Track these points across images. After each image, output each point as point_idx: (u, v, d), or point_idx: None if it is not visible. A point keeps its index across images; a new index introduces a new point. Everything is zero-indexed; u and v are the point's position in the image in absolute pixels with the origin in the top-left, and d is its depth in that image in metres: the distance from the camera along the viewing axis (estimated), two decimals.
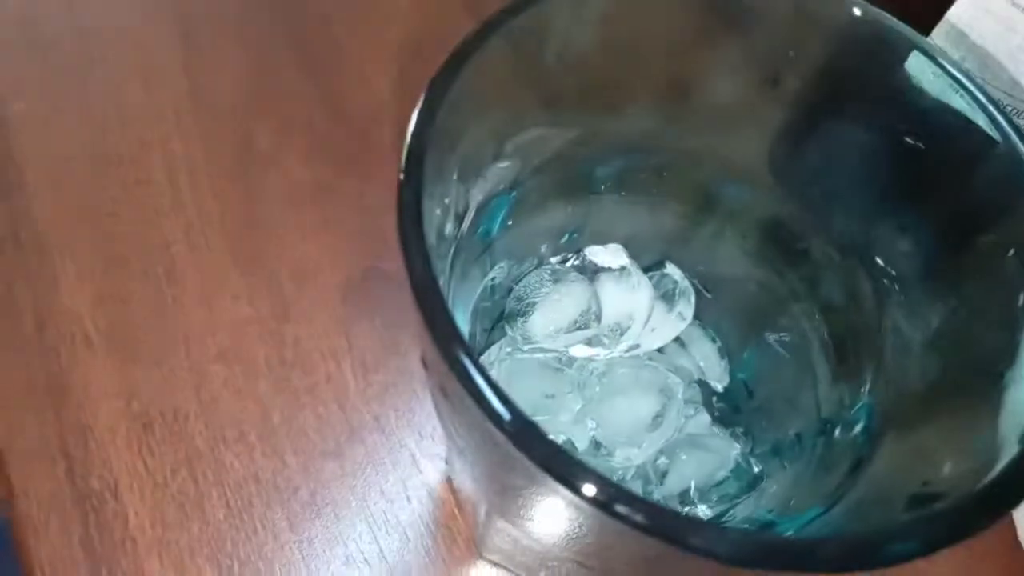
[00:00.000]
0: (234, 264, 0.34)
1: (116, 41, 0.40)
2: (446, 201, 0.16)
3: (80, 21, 0.40)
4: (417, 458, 0.31)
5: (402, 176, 0.14)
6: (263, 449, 0.30)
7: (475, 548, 0.29)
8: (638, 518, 0.11)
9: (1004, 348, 0.14)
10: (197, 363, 0.32)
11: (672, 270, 0.25)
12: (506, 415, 0.11)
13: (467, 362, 0.11)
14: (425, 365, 0.15)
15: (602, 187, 0.23)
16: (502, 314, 0.25)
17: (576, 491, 0.11)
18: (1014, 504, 0.12)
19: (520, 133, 0.18)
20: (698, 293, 0.25)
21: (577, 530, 0.14)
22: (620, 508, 0.11)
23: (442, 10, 0.42)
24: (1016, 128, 0.15)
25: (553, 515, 0.14)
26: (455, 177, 0.17)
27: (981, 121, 0.15)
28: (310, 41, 0.41)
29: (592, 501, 0.11)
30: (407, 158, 0.14)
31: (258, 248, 0.34)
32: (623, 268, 0.24)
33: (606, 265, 0.24)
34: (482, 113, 0.17)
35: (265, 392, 0.31)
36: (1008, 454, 0.13)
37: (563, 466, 0.11)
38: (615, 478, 0.21)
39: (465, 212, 0.18)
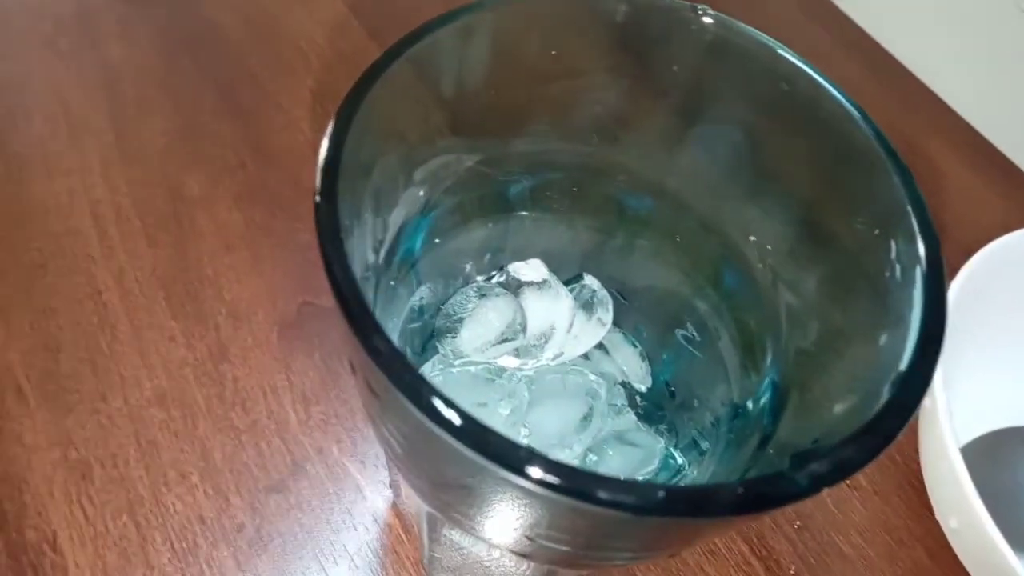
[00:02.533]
0: (168, 308, 0.34)
1: (40, 93, 0.40)
2: (363, 224, 0.17)
3: (4, 77, 0.40)
4: (361, 486, 0.31)
5: (318, 197, 0.15)
6: (206, 489, 0.30)
7: (424, 569, 0.30)
8: (560, 480, 0.12)
9: (874, 308, 0.16)
10: (135, 408, 0.32)
11: (590, 280, 0.26)
12: (429, 396, 0.12)
13: (384, 347, 0.12)
14: (352, 369, 0.16)
15: (516, 206, 0.24)
16: (432, 335, 0.26)
17: (496, 459, 0.12)
18: (883, 445, 0.14)
19: (429, 157, 0.20)
20: (616, 301, 0.27)
21: (514, 509, 0.15)
22: (546, 474, 0.12)
23: (360, 55, 0.44)
24: (877, 131, 0.17)
25: (491, 498, 0.15)
26: (370, 200, 0.18)
27: (848, 117, 0.17)
28: (235, 88, 0.42)
29: (513, 469, 0.12)
30: (322, 179, 0.15)
31: (192, 291, 0.35)
32: (544, 281, 0.26)
33: (528, 279, 0.26)
34: (390, 138, 0.18)
35: (205, 432, 0.32)
36: (879, 403, 0.14)
37: (485, 439, 0.12)
38: None
39: (384, 236, 0.19)
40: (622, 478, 0.13)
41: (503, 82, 0.19)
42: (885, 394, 0.15)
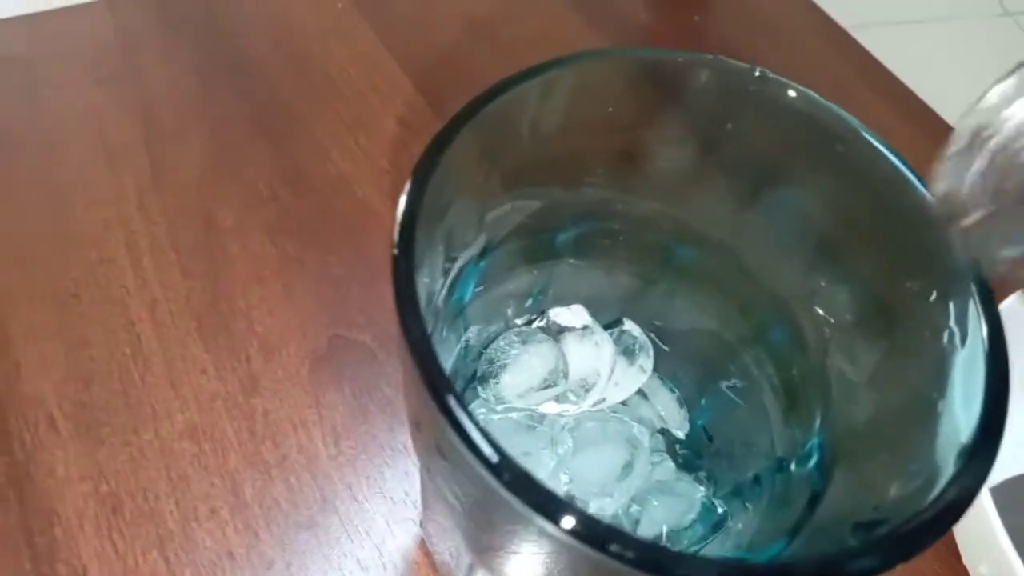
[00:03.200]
0: (200, 340, 0.34)
1: (78, 122, 0.40)
2: (432, 272, 0.18)
3: (44, 103, 0.41)
4: (390, 524, 0.31)
5: (396, 251, 0.15)
6: (236, 524, 0.30)
7: None
8: (629, 554, 0.12)
9: (935, 381, 0.16)
10: (165, 441, 0.32)
11: (631, 326, 0.26)
12: (505, 467, 0.12)
13: (467, 422, 0.13)
14: (417, 427, 0.16)
15: (563, 253, 0.24)
16: (473, 375, 0.26)
17: (582, 537, 0.12)
18: (953, 521, 0.14)
19: (491, 207, 0.20)
20: (655, 347, 0.27)
21: (570, 572, 0.15)
22: (613, 546, 0.12)
23: (394, 89, 0.44)
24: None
25: (547, 559, 0.15)
26: (440, 249, 0.18)
27: (906, 185, 0.18)
28: (269, 118, 0.42)
29: (590, 541, 0.12)
30: (400, 234, 0.15)
31: (224, 323, 0.35)
32: (585, 327, 0.26)
33: (569, 325, 0.26)
34: (458, 194, 0.18)
35: (236, 466, 0.32)
36: (945, 476, 0.14)
37: (563, 510, 0.12)
38: None
39: (445, 282, 0.19)
40: (696, 554, 0.13)
41: (570, 139, 0.19)
42: (951, 466, 0.15)
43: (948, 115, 0.51)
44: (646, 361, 0.26)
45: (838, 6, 0.55)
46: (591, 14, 0.50)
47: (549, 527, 0.13)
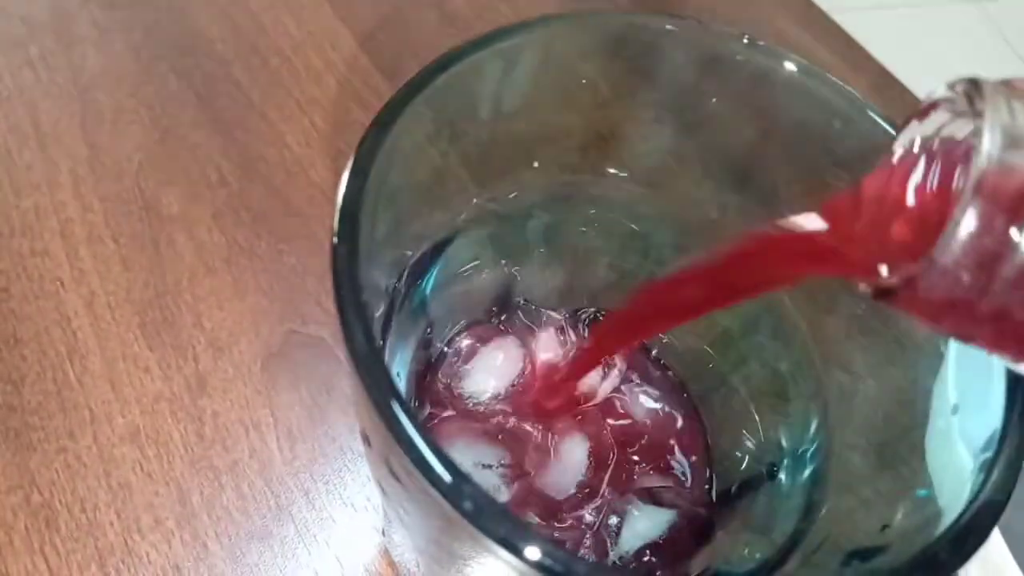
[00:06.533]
0: (143, 336, 0.32)
1: (7, 103, 0.37)
2: (380, 263, 0.16)
3: None
4: (351, 532, 0.29)
5: (335, 240, 0.13)
6: (182, 536, 0.28)
7: None
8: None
9: (940, 384, 0.15)
10: (105, 447, 0.29)
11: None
12: (463, 493, 0.10)
13: (420, 442, 0.11)
14: (367, 441, 0.14)
15: (532, 241, 0.22)
16: (430, 364, 0.24)
17: (549, 571, 0.10)
18: (958, 565, 0.12)
19: (451, 192, 0.18)
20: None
21: None
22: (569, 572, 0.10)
23: (351, 67, 0.42)
24: None
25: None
26: (387, 238, 0.16)
27: None
28: (217, 98, 0.39)
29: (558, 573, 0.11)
30: (341, 220, 0.13)
31: (169, 317, 0.32)
32: (556, 322, 0.24)
33: (537, 320, 0.24)
34: (410, 174, 0.16)
35: (182, 473, 0.29)
36: (953, 513, 0.13)
37: (529, 541, 0.11)
38: (567, 540, 0.20)
39: (401, 273, 0.17)
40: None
41: (536, 114, 0.17)
42: (966, 487, 0.13)
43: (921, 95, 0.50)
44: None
45: None
46: None
47: (514, 560, 0.11)
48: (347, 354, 0.12)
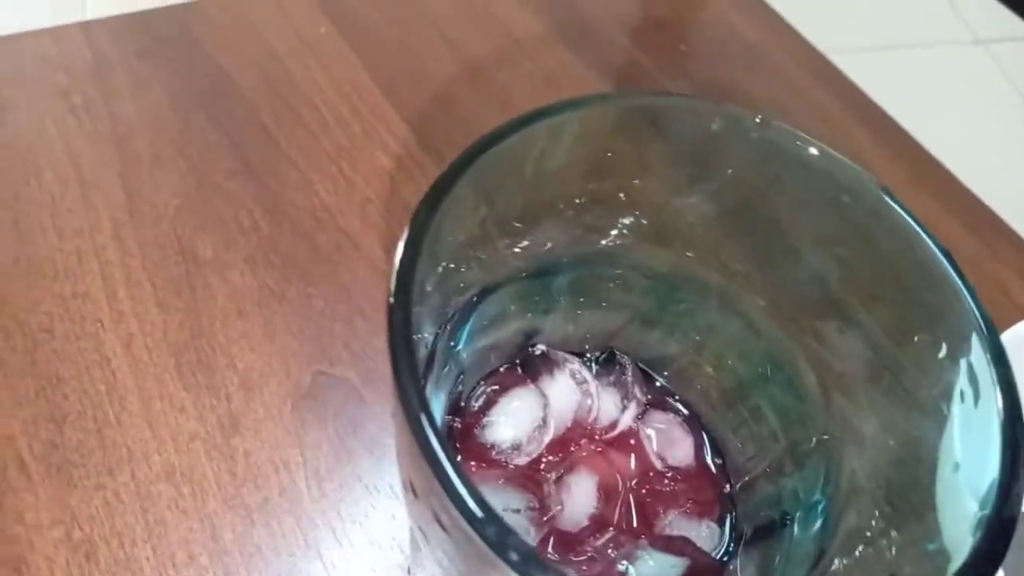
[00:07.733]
0: (179, 377, 0.33)
1: (50, 149, 0.39)
2: (425, 322, 0.17)
3: (12, 128, 0.40)
4: (376, 570, 0.30)
5: (392, 300, 0.14)
6: (215, 571, 0.29)
7: None
8: None
9: (944, 441, 0.16)
10: (142, 484, 0.31)
11: (621, 358, 0.26)
12: (514, 552, 0.12)
13: (471, 502, 0.12)
14: (413, 492, 0.16)
15: (558, 295, 0.24)
16: (458, 411, 0.25)
17: None
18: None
19: (487, 252, 0.19)
20: (646, 376, 0.26)
21: None
22: None
23: (377, 116, 0.44)
24: (945, 250, 0.17)
25: None
26: (431, 298, 0.17)
27: (913, 236, 0.17)
28: (249, 146, 0.41)
29: None
30: (398, 283, 0.14)
31: (204, 359, 0.34)
32: (575, 369, 0.25)
33: (559, 369, 0.25)
34: (453, 237, 0.18)
35: (215, 510, 0.30)
36: (961, 555, 0.14)
37: None
38: None
39: (441, 327, 0.19)
40: None
41: (569, 183, 0.19)
42: (965, 544, 0.14)
43: (923, 140, 0.51)
44: (640, 394, 0.26)
45: (814, 34, 0.55)
46: (575, 44, 0.50)
47: None
48: (400, 414, 0.13)
